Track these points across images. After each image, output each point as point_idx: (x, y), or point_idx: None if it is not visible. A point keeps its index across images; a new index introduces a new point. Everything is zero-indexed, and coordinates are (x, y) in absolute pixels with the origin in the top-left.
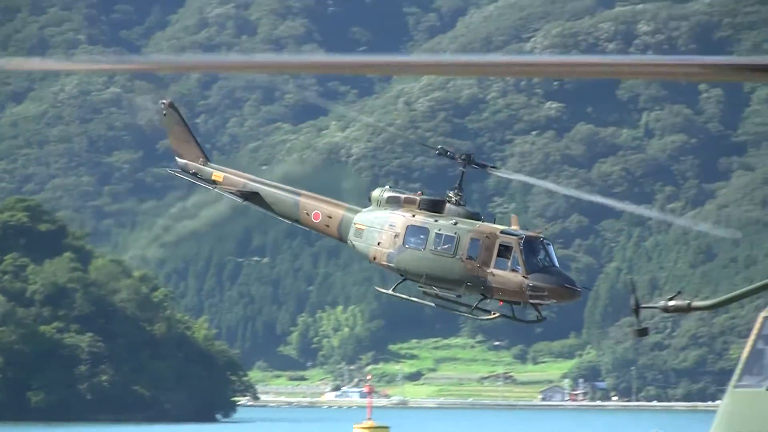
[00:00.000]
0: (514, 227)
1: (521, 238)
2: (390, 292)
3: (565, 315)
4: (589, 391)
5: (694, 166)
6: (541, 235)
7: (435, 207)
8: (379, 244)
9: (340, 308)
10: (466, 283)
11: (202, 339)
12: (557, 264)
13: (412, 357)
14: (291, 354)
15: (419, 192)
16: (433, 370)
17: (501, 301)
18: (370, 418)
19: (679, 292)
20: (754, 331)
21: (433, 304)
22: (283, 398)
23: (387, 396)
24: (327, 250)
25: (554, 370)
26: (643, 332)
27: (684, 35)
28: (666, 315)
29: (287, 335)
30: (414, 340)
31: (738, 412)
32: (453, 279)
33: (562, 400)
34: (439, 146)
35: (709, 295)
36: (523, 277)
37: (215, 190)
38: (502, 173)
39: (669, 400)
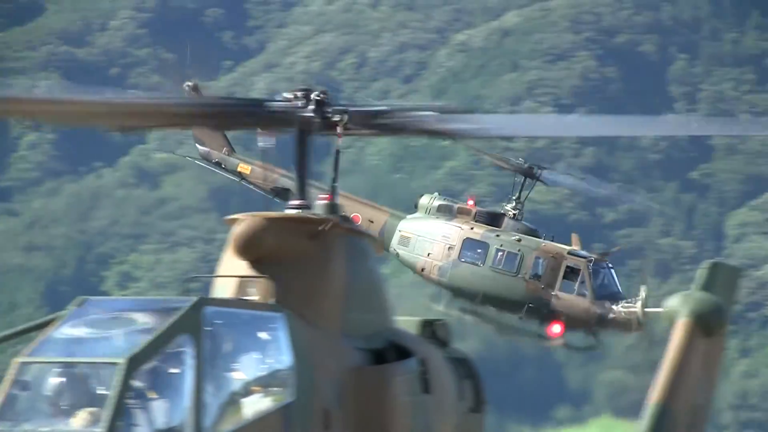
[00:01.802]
0: (575, 247)
1: (590, 261)
2: (441, 308)
3: None
4: None
5: None
6: (607, 259)
7: (493, 220)
8: (429, 255)
9: None
10: (528, 304)
11: None
12: (621, 290)
13: None
14: None
15: (470, 201)
16: None
17: (560, 326)
18: None
19: None
20: (9, 377)
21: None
22: None
23: None
24: None
25: None
26: None
27: None
28: None
29: None
30: None
31: None
32: (514, 299)
33: None
34: (526, 163)
35: None
36: (591, 302)
37: (243, 183)
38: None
39: None
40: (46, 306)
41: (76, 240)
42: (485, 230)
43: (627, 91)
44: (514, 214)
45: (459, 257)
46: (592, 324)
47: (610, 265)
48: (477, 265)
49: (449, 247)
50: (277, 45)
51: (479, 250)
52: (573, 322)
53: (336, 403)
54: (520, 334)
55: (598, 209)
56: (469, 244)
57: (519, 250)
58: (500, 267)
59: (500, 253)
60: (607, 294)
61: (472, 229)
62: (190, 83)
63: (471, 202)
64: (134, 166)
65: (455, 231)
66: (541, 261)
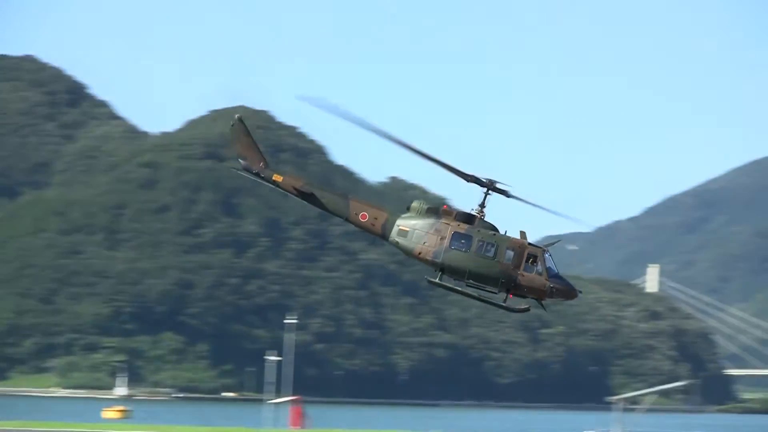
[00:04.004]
0: (526, 240)
1: (544, 251)
2: (437, 281)
3: None
4: None
5: None
6: (549, 250)
7: (468, 220)
8: (424, 243)
9: None
10: (501, 280)
11: None
12: (558, 270)
13: None
14: None
15: (444, 206)
16: None
17: (511, 294)
18: None
19: None
20: None
21: (475, 295)
22: None
23: None
24: None
25: None
26: None
27: None
28: None
29: None
30: None
31: None
32: (492, 276)
33: None
34: (470, 173)
35: None
36: (546, 279)
37: (276, 188)
38: (519, 198)
39: None
40: None
41: None
42: (468, 227)
43: None
44: (481, 216)
45: (449, 245)
46: (546, 294)
47: (550, 254)
48: (464, 251)
49: (441, 238)
50: None
51: (463, 241)
52: (532, 292)
53: None
54: (486, 301)
55: None
56: (457, 236)
57: (495, 242)
58: (482, 253)
59: (481, 243)
60: (555, 274)
61: (458, 225)
62: (238, 115)
63: (445, 207)
64: None
65: (446, 227)
66: (510, 250)
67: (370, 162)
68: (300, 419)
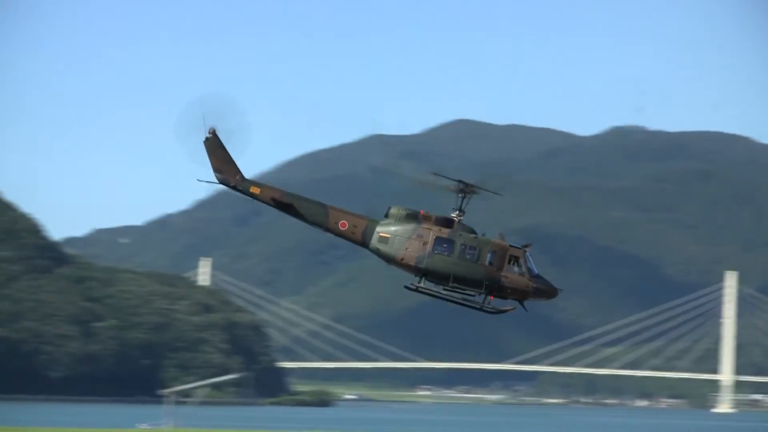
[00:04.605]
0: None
1: (525, 251)
2: (420, 285)
3: None
4: None
5: None
6: (528, 250)
7: (447, 224)
8: (407, 249)
9: None
10: (485, 282)
11: None
12: (536, 270)
13: None
14: None
15: (422, 210)
16: None
17: (492, 296)
18: None
19: None
20: None
21: (458, 300)
22: None
23: None
24: None
25: None
26: None
27: None
28: None
29: None
30: None
31: None
32: (476, 279)
33: None
34: (457, 179)
35: None
36: (528, 280)
37: (255, 200)
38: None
39: None
40: None
41: None
42: (450, 231)
43: None
44: (459, 219)
45: (432, 250)
46: (529, 294)
47: (529, 254)
48: (447, 255)
49: (424, 243)
50: None
51: (446, 245)
52: (516, 294)
53: None
54: (469, 304)
55: None
56: (439, 240)
57: (477, 245)
58: (465, 257)
59: (464, 247)
60: (536, 274)
61: (440, 230)
62: (212, 129)
63: (423, 212)
64: None
65: (427, 232)
66: (492, 252)
67: None
68: None
